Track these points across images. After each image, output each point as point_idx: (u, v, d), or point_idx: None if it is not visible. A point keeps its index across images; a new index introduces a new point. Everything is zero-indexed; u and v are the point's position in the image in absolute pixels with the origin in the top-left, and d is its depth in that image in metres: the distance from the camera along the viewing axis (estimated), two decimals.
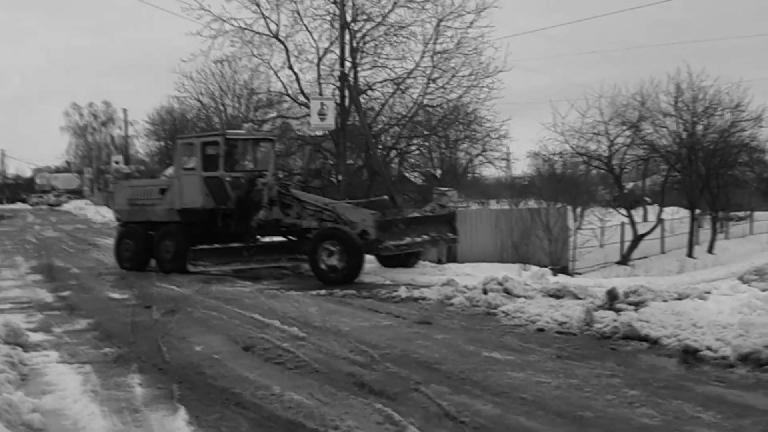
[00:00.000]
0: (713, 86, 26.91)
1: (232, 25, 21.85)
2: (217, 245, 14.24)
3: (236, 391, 6.15)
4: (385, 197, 17.46)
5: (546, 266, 15.50)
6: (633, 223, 25.82)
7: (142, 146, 51.95)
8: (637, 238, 25.30)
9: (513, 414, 5.40)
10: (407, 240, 12.86)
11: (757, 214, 35.20)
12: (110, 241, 16.48)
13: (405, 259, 13.97)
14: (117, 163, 48.55)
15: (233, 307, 10.33)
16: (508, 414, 5.40)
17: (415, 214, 15.12)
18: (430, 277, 12.77)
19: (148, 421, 5.46)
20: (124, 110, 60.79)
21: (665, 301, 9.04)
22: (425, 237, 13.20)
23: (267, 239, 15.44)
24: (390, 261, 14.02)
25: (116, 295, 11.97)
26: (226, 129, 27.09)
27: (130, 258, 15.58)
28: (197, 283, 12.93)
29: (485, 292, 10.32)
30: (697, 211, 28.24)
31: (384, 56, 22.51)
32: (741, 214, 34.17)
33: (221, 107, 30.66)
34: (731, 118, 27.26)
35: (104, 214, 35.26)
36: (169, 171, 34.63)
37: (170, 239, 14.90)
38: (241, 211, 14.56)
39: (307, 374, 6.61)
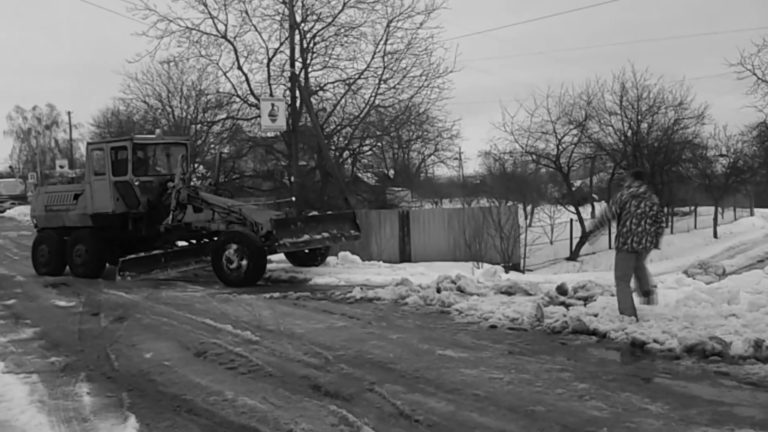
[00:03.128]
0: (657, 85, 27.73)
1: (179, 26, 21.64)
2: (143, 254, 14.11)
3: (188, 397, 6.06)
4: (293, 198, 17.88)
5: (498, 264, 15.69)
6: (581, 220, 26.37)
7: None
8: (586, 235, 25.79)
9: (466, 411, 5.45)
10: (305, 237, 13.09)
11: (701, 209, 36.27)
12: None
13: (311, 257, 14.44)
14: (62, 167, 47.38)
15: (184, 312, 10.17)
16: (462, 411, 5.45)
17: (314, 213, 15.51)
18: (385, 277, 12.78)
19: (97, 430, 5.34)
20: (69, 113, 59.47)
21: (613, 295, 9.23)
22: (325, 234, 13.45)
23: (182, 243, 15.42)
24: (298, 260, 14.50)
25: (63, 303, 11.65)
26: (173, 130, 26.73)
27: (45, 263, 15.54)
28: (146, 289, 12.68)
29: (439, 290, 10.39)
30: None
31: (335, 57, 22.56)
32: (685, 209, 35.21)
33: (168, 109, 30.16)
34: (674, 115, 28.14)
35: None
36: None
37: (82, 244, 14.96)
38: (152, 215, 14.66)
39: (260, 378, 6.56)
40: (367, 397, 5.84)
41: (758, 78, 18.63)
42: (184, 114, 29.76)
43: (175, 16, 21.60)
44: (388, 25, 21.68)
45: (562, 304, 9.06)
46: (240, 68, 22.71)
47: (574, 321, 7.97)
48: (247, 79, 23.01)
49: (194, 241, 15.10)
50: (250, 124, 25.99)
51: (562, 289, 9.60)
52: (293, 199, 17.59)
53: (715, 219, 33.48)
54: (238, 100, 24.64)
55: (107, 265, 15.14)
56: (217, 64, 23.29)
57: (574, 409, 5.39)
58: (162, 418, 5.55)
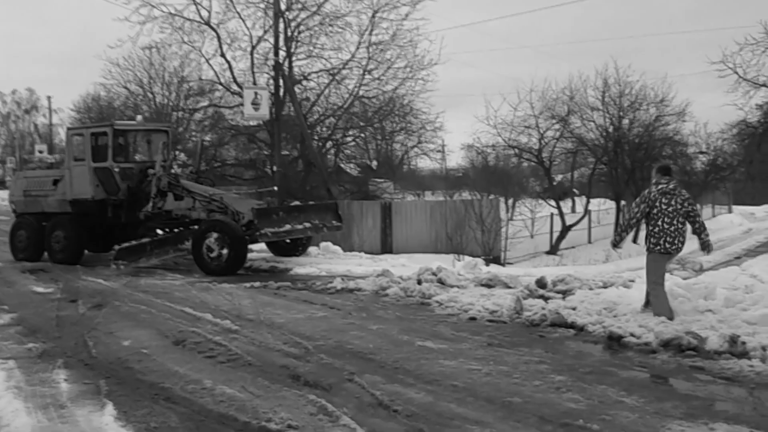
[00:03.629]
0: (639, 81, 27.82)
1: (162, 11, 21.34)
2: (134, 242, 13.96)
3: (166, 385, 6.04)
4: (275, 188, 17.83)
5: (479, 256, 15.76)
6: (561, 214, 26.52)
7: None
8: (566, 229, 26.00)
9: (444, 401, 5.48)
10: (287, 227, 13.10)
11: None
12: None
13: (293, 247, 14.47)
14: (41, 152, 46.78)
15: (163, 300, 10.12)
16: (440, 401, 5.48)
17: (296, 203, 15.52)
18: (366, 268, 12.80)
19: (74, 417, 5.31)
20: (49, 98, 58.60)
21: (591, 289, 9.35)
22: (306, 224, 13.47)
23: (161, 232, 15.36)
24: (280, 250, 14.51)
25: (40, 289, 11.55)
26: (154, 117, 26.50)
27: (23, 249, 15.47)
28: (125, 277, 12.61)
29: (419, 282, 10.43)
30: (623, 202, 29.19)
31: (319, 46, 22.40)
32: None
33: (150, 95, 29.85)
34: (656, 112, 28.28)
35: None
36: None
37: (61, 230, 14.86)
38: (131, 202, 14.55)
39: (239, 367, 6.55)
40: (346, 387, 5.86)
41: (739, 76, 18.82)
42: (166, 101, 29.50)
43: (158, 2, 21.28)
44: (373, 16, 21.57)
45: (541, 297, 9.14)
46: (223, 55, 22.50)
47: (552, 314, 8.05)
48: (230, 67, 22.82)
49: (176, 229, 15.01)
50: (233, 112, 25.78)
51: (541, 283, 9.69)
52: (275, 188, 17.53)
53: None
54: (220, 87, 24.44)
55: (86, 251, 15.03)
56: (200, 51, 23.04)
57: (551, 401, 5.44)
58: (140, 405, 5.53)
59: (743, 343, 6.47)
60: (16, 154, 55.14)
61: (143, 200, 14.38)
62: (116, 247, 13.93)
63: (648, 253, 7.85)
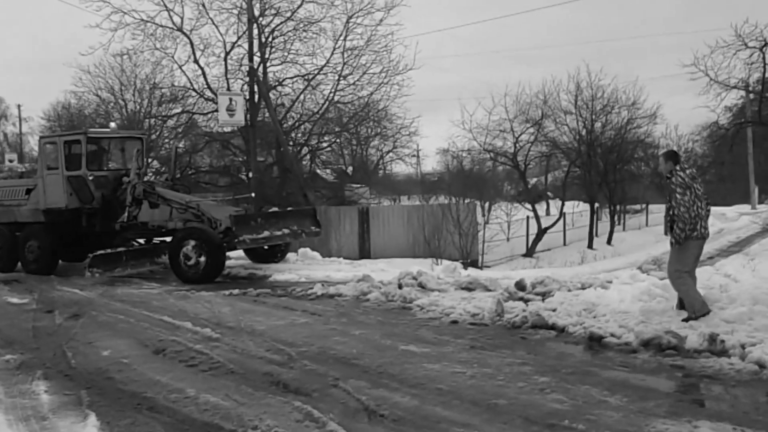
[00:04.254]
0: (611, 85, 28.33)
1: (134, 18, 21.23)
2: (110, 250, 13.80)
3: (148, 395, 5.97)
4: (251, 194, 17.78)
5: (457, 260, 15.84)
6: (537, 217, 26.78)
7: (37, 144, 49.54)
8: (541, 232, 26.23)
9: (430, 405, 5.49)
10: (265, 234, 13.01)
11: (652, 207, 37.12)
12: None
13: (271, 253, 14.32)
14: (11, 161, 45.94)
15: (141, 309, 10.01)
16: (425, 405, 5.49)
17: (274, 209, 15.45)
18: (345, 274, 12.77)
19: (57, 429, 5.23)
20: (18, 106, 57.64)
21: (570, 290, 9.42)
22: (285, 230, 13.43)
23: (140, 241, 15.23)
24: (258, 257, 14.39)
25: (15, 300, 11.36)
26: (125, 124, 26.22)
27: None
28: (101, 286, 12.45)
29: (400, 286, 10.44)
30: (596, 204, 29.53)
31: (294, 52, 22.44)
32: (637, 206, 35.98)
33: (121, 102, 29.55)
34: (628, 115, 28.73)
35: None
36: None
37: (34, 240, 14.66)
38: (106, 211, 14.40)
39: (222, 375, 6.50)
40: (331, 393, 5.84)
41: (711, 79, 19.13)
42: (138, 108, 29.21)
43: (129, 8, 21.21)
44: (347, 21, 21.66)
45: (521, 299, 9.20)
46: (196, 62, 22.42)
47: (533, 316, 8.10)
48: (203, 73, 22.73)
49: (156, 240, 14.85)
50: (207, 119, 25.67)
51: (520, 285, 9.75)
52: (252, 195, 17.46)
53: (666, 217, 34.23)
54: (194, 94, 24.32)
55: (60, 261, 14.81)
56: (173, 57, 22.94)
57: (536, 402, 5.48)
58: (123, 416, 5.46)
59: (722, 341, 6.56)
60: None
61: (118, 209, 14.20)
62: (90, 254, 13.73)
63: (685, 240, 7.43)
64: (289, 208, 15.63)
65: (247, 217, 13.33)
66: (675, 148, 29.94)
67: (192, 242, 12.68)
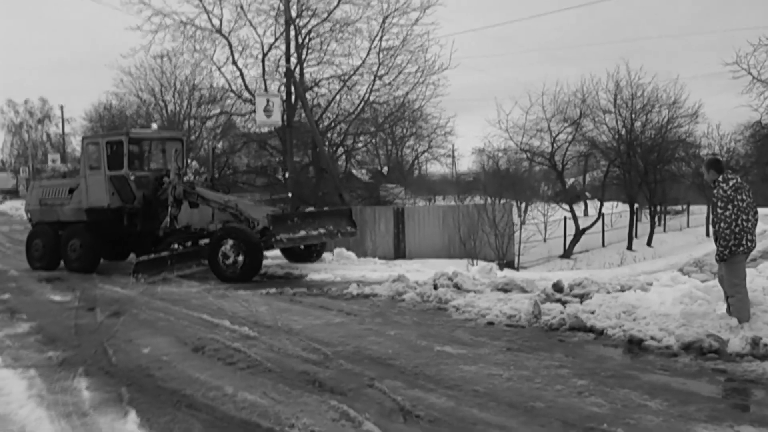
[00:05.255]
0: (651, 83, 27.79)
1: (173, 20, 21.52)
2: (154, 255, 13.85)
3: (187, 392, 6.05)
4: (289, 194, 17.78)
5: (492, 261, 15.73)
6: (575, 218, 26.45)
7: (79, 144, 50.60)
8: (579, 233, 25.90)
9: (466, 406, 5.46)
10: (302, 233, 13.06)
11: (693, 208, 36.43)
12: None
13: (307, 253, 14.40)
14: (54, 161, 47.15)
15: (181, 308, 10.15)
16: (462, 406, 5.47)
17: (311, 209, 15.42)
18: (381, 274, 12.80)
19: (97, 425, 5.33)
20: (61, 107, 59.21)
21: (609, 292, 9.29)
22: (321, 230, 13.45)
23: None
24: (294, 256, 14.48)
25: (58, 298, 11.61)
26: (166, 125, 26.63)
27: (39, 258, 15.50)
28: (142, 285, 12.66)
29: (436, 287, 10.41)
30: (636, 205, 29.07)
31: (330, 53, 22.49)
32: (678, 207, 35.33)
33: (162, 103, 30.04)
34: (668, 114, 28.21)
35: None
36: None
37: (77, 238, 14.85)
38: (147, 210, 14.55)
39: (259, 374, 6.55)
40: (367, 393, 5.85)
41: (753, 77, 18.71)
42: (178, 109, 29.67)
43: (169, 11, 21.51)
44: (383, 21, 21.64)
45: (559, 301, 9.10)
46: (234, 63, 22.64)
47: (571, 318, 8.00)
48: (241, 74, 22.96)
49: (201, 242, 14.85)
50: (244, 120, 25.94)
51: (558, 287, 9.64)
52: (289, 195, 17.54)
53: (708, 218, 33.62)
54: (232, 95, 24.57)
55: (102, 260, 15.09)
56: (212, 58, 23.19)
57: (574, 405, 5.41)
58: (162, 413, 5.54)
59: (765, 344, 6.42)
60: (29, 164, 55.58)
61: (159, 208, 14.40)
62: (135, 259, 13.78)
63: (732, 256, 7.17)
64: (325, 208, 15.68)
65: (284, 216, 13.40)
66: (717, 150, 29.46)
67: (230, 241, 12.81)
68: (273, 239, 12.64)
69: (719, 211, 7.18)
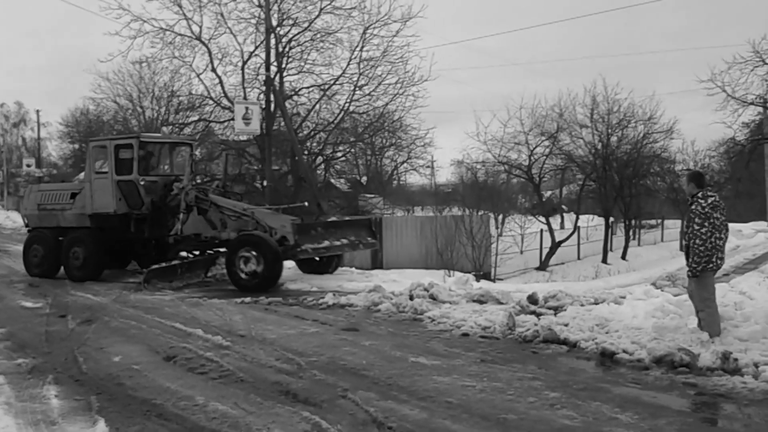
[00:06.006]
0: (627, 99, 28.22)
1: (153, 26, 21.45)
2: (165, 264, 13.27)
3: (158, 402, 5.98)
4: (305, 203, 17.35)
5: (469, 272, 15.78)
6: (551, 231, 26.67)
7: (55, 149, 50.00)
8: (555, 245, 26.12)
9: (439, 418, 5.46)
10: (326, 243, 12.72)
11: (668, 222, 36.90)
12: (21, 248, 15.79)
13: (325, 264, 13.81)
14: (29, 166, 46.58)
15: (153, 316, 10.04)
16: (435, 418, 5.46)
17: (334, 219, 14.95)
18: (357, 284, 12.76)
19: None
20: (37, 111, 58.44)
21: (583, 305, 9.36)
22: (344, 241, 13.08)
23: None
24: (310, 267, 13.84)
25: (29, 304, 11.44)
26: (143, 131, 26.41)
27: (38, 264, 14.96)
28: (115, 292, 12.51)
29: (411, 298, 10.40)
30: (611, 219, 29.38)
31: (310, 62, 22.53)
32: (652, 222, 35.77)
33: (139, 109, 29.89)
34: (644, 129, 28.64)
35: (15, 220, 33.62)
36: (83, 175, 33.40)
37: (80, 245, 14.30)
38: (155, 217, 14.06)
39: (231, 383, 6.50)
40: (340, 404, 5.83)
41: (728, 95, 19.04)
42: (156, 115, 29.51)
43: (149, 17, 21.45)
44: (364, 32, 21.73)
45: (533, 313, 9.14)
46: (214, 70, 22.59)
47: (545, 330, 8.04)
48: (221, 82, 22.90)
49: (210, 251, 14.32)
50: (223, 127, 25.82)
51: (533, 299, 9.69)
52: (305, 203, 16.99)
53: (682, 232, 34.05)
54: (211, 102, 24.47)
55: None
56: (191, 65, 23.13)
57: (546, 418, 5.43)
58: (132, 422, 5.47)
59: (735, 359, 6.49)
60: (4, 168, 54.78)
61: (167, 215, 13.89)
62: (135, 266, 13.30)
63: (702, 272, 7.23)
64: (346, 218, 15.11)
65: (308, 226, 12.91)
66: (692, 166, 29.88)
67: (249, 249, 12.29)
68: (298, 249, 12.18)
69: (696, 227, 7.24)
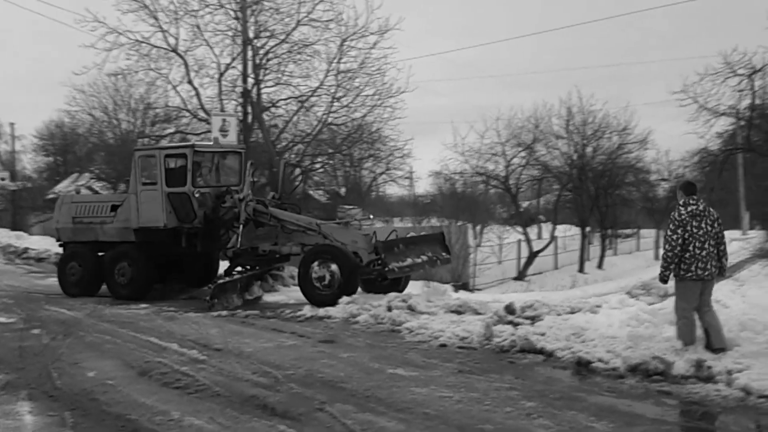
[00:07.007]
0: (602, 110, 28.53)
1: (129, 38, 21.24)
2: (228, 279, 12.59)
3: (132, 417, 5.92)
4: (370, 216, 16.41)
5: (447, 283, 15.79)
6: (528, 241, 26.85)
7: (29, 162, 49.26)
8: (533, 255, 26.28)
9: (417, 429, 5.47)
10: (409, 261, 11.93)
11: (643, 232, 37.25)
12: None
13: (395, 282, 12.38)
14: (3, 179, 45.83)
15: (128, 330, 9.93)
16: (412, 429, 5.47)
17: (411, 234, 14.18)
18: None
19: None
20: (11, 124, 57.55)
21: (559, 315, 9.41)
22: (423, 258, 12.30)
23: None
24: (375, 286, 12.40)
25: (2, 319, 11.23)
26: (119, 144, 26.16)
27: (76, 282, 14.01)
28: (89, 306, 12.36)
29: (390, 309, 10.40)
30: (588, 228, 29.63)
31: (288, 74, 22.43)
32: (628, 231, 36.10)
33: (115, 121, 29.55)
34: (619, 140, 28.97)
35: None
36: (60, 186, 32.87)
37: (126, 261, 13.43)
38: (207, 230, 13.23)
39: (207, 398, 6.45)
40: (317, 417, 5.81)
41: (700, 105, 19.27)
42: (131, 127, 29.23)
43: (124, 29, 21.23)
44: (341, 44, 21.72)
45: (511, 323, 9.17)
46: (190, 82, 22.43)
47: (522, 340, 8.09)
48: (197, 94, 22.74)
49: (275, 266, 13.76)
50: (200, 139, 25.60)
51: (510, 309, 9.72)
52: (371, 217, 16.31)
53: (657, 242, 34.43)
54: (187, 114, 24.27)
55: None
56: (167, 77, 22.93)
57: (522, 428, 5.46)
58: None
59: (709, 367, 6.58)
60: None
61: (220, 228, 13.22)
62: (212, 285, 12.44)
63: (679, 281, 7.31)
64: (422, 233, 14.41)
65: (392, 243, 12.10)
66: (666, 176, 30.27)
67: (327, 262, 11.65)
68: (385, 269, 11.56)
69: (668, 233, 7.31)
